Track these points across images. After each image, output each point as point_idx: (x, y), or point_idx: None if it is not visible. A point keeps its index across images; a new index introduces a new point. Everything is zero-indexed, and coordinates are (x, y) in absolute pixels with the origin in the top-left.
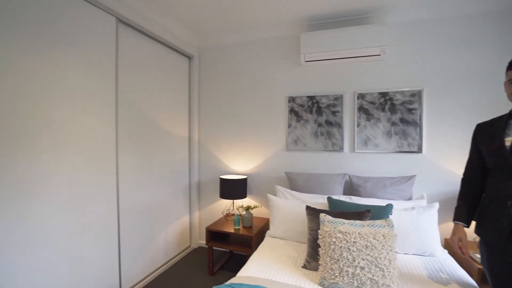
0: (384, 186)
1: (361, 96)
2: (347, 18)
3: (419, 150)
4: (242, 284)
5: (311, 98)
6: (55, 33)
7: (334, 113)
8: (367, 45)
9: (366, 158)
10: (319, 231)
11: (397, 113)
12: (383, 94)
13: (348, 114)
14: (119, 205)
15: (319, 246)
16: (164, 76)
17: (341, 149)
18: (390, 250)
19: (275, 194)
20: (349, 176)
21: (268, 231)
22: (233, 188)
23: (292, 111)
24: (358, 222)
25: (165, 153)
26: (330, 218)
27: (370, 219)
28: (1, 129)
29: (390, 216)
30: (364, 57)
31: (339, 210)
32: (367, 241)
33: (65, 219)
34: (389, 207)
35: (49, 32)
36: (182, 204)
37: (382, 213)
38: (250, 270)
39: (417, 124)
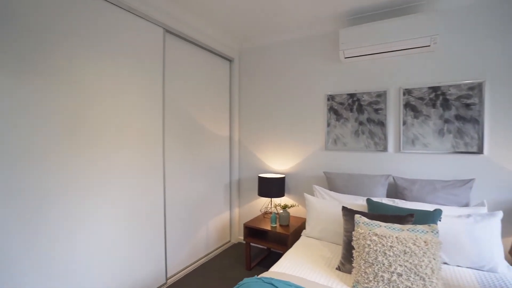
0: (434, 190)
1: (408, 92)
2: (389, 9)
3: (479, 151)
4: (272, 279)
5: (351, 95)
6: (114, 44)
7: (376, 110)
8: (414, 36)
9: (413, 158)
10: (353, 232)
11: (451, 109)
12: (434, 89)
13: (393, 111)
14: (165, 198)
15: (354, 248)
16: (206, 79)
17: (384, 148)
18: (434, 259)
19: (312, 194)
20: (394, 178)
21: (304, 231)
22: (271, 187)
23: (331, 109)
24: (397, 225)
25: (207, 152)
26: (366, 220)
27: (413, 224)
28: (72, 129)
29: (438, 222)
30: (411, 49)
31: (378, 213)
32: (406, 246)
33: (119, 208)
34: (437, 213)
35: (109, 44)
36: (223, 200)
37: (428, 218)
38: (282, 267)
39: (477, 121)
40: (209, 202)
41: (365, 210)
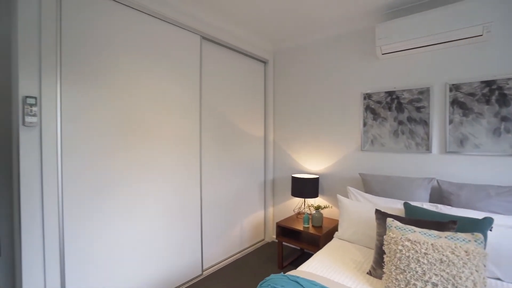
0: (487, 197)
1: (455, 88)
2: None
3: None
4: (297, 277)
5: (390, 93)
6: (158, 54)
7: (418, 109)
8: (464, 25)
9: (461, 161)
10: (384, 236)
11: (509, 106)
12: (488, 83)
13: (438, 109)
14: (201, 195)
15: (385, 253)
16: (241, 81)
17: (427, 149)
18: (476, 271)
19: (347, 196)
20: (438, 182)
21: (336, 233)
22: (304, 187)
23: (368, 108)
24: (434, 232)
25: (242, 151)
26: (399, 224)
27: (454, 232)
28: (123, 131)
29: (488, 232)
30: (459, 40)
31: (416, 218)
32: (443, 254)
33: (159, 203)
34: (487, 221)
35: (154, 54)
36: (257, 199)
37: (475, 227)
38: (310, 267)
39: None
40: (243, 200)
41: (402, 214)
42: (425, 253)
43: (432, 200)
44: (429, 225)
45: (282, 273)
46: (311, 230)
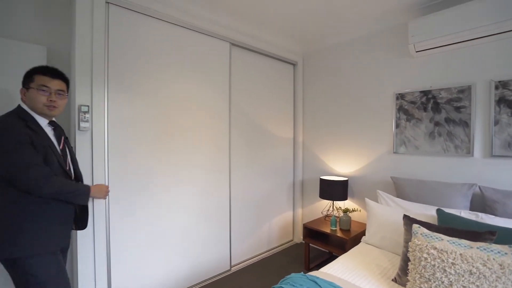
0: None
1: (502, 85)
2: None
3: None
4: (316, 277)
5: (425, 93)
6: (190, 61)
7: (457, 109)
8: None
9: (510, 166)
10: (409, 243)
11: None
12: None
13: (481, 109)
14: (230, 194)
15: (410, 260)
16: (270, 84)
17: (468, 153)
18: None
19: (376, 199)
20: (480, 188)
21: (363, 237)
22: (333, 190)
23: (400, 109)
24: (465, 242)
25: (270, 153)
26: (425, 231)
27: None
28: (160, 135)
29: None
30: (506, 32)
31: (448, 226)
32: (473, 266)
33: (192, 202)
34: None
35: (186, 61)
36: (286, 200)
37: None
38: (332, 269)
39: None
40: (272, 201)
41: (435, 221)
42: (453, 263)
43: (473, 208)
44: (462, 234)
45: (302, 272)
46: (338, 233)
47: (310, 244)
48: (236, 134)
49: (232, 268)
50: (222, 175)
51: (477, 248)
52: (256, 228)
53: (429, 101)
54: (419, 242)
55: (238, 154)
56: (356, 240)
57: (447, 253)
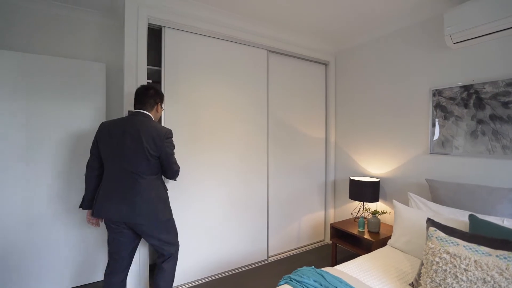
0: None
1: None
2: None
3: None
4: (325, 272)
5: (466, 88)
6: (229, 70)
7: (505, 104)
8: None
9: None
10: (424, 246)
11: None
12: None
13: None
14: (268, 191)
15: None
16: (302, 85)
17: None
18: None
19: (407, 202)
20: None
21: (389, 240)
22: (363, 191)
23: (438, 106)
24: (485, 249)
25: (303, 153)
26: (441, 234)
27: None
28: (200, 135)
29: None
30: None
31: (478, 233)
32: (487, 274)
33: (233, 195)
34: None
35: (227, 70)
36: (318, 200)
37: None
38: (347, 267)
39: None
40: (303, 200)
41: (467, 227)
42: (465, 270)
43: None
44: (490, 242)
45: (313, 266)
46: (366, 235)
47: (338, 245)
48: (271, 135)
49: (269, 258)
50: (260, 173)
51: (497, 256)
52: (289, 224)
53: (470, 96)
54: (433, 246)
55: (274, 153)
56: (384, 243)
57: (460, 258)
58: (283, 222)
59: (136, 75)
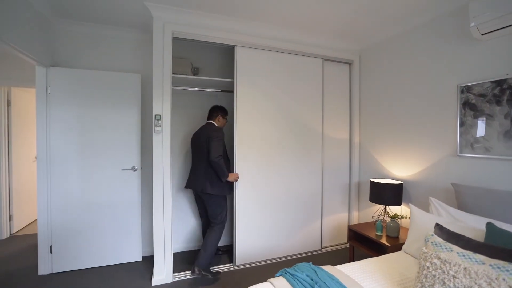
0: None
1: None
2: None
3: None
4: (320, 268)
5: (498, 83)
6: (293, 78)
7: None
8: None
9: None
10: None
11: None
12: None
13: None
14: (323, 187)
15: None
16: (327, 86)
17: None
18: None
19: (427, 207)
20: None
21: (403, 245)
22: (384, 193)
23: (466, 104)
24: (480, 257)
25: (326, 154)
26: (438, 240)
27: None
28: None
29: None
30: None
31: (499, 244)
32: (475, 283)
33: (291, 192)
34: None
35: (288, 79)
36: (341, 201)
37: None
38: (347, 268)
39: None
40: (326, 201)
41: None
42: (453, 276)
43: None
44: (493, 251)
45: (311, 263)
46: (383, 239)
47: (356, 248)
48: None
49: (322, 249)
50: (316, 170)
51: (490, 265)
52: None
53: (503, 92)
54: (426, 250)
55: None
56: (400, 248)
57: (450, 264)
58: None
59: (162, 82)
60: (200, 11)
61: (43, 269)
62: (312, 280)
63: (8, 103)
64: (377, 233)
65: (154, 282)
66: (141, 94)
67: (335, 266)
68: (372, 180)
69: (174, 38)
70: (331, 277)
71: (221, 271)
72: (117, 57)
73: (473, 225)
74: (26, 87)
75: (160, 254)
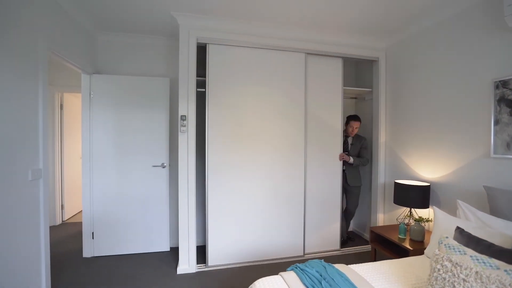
0: None
1: None
2: None
3: None
4: (330, 266)
5: None
6: (268, 74)
7: None
8: None
9: None
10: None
11: None
12: None
13: None
14: (305, 189)
15: None
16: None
17: None
18: None
19: (452, 211)
20: None
21: (425, 249)
22: (410, 195)
23: (502, 100)
24: (495, 262)
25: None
26: (452, 242)
27: None
28: (242, 133)
29: None
30: None
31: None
32: (485, 287)
33: (268, 194)
34: None
35: (264, 75)
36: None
37: None
38: (360, 267)
39: None
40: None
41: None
42: (464, 280)
43: None
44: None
45: (322, 260)
46: (405, 243)
47: (378, 250)
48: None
49: (305, 255)
50: (297, 170)
51: (505, 270)
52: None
53: None
54: (438, 252)
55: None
56: (423, 253)
57: (461, 267)
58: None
59: (187, 84)
60: (224, 17)
61: (87, 252)
62: (321, 275)
63: (61, 107)
64: (400, 236)
65: (179, 271)
66: (170, 96)
67: (349, 265)
68: (397, 181)
69: (198, 44)
70: (341, 274)
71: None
72: (148, 63)
73: (503, 231)
74: (75, 93)
75: (185, 246)
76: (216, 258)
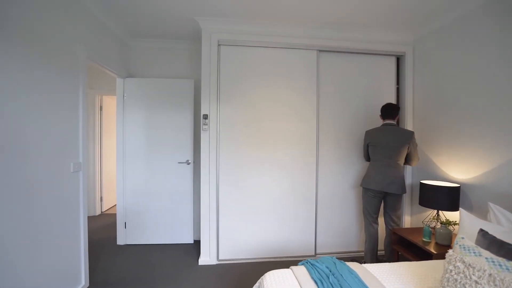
0: None
1: None
2: None
3: None
4: (341, 262)
5: None
6: (279, 73)
7: None
8: None
9: None
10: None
11: None
12: None
13: None
14: (317, 188)
15: None
16: (364, 82)
17: None
18: None
19: (484, 214)
20: None
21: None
22: (437, 197)
23: None
24: None
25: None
26: (467, 243)
27: None
28: (256, 132)
29: None
30: None
31: None
32: None
33: (282, 189)
34: None
35: (276, 73)
36: None
37: None
38: (375, 268)
39: None
40: None
41: None
42: (476, 282)
43: None
44: None
45: (335, 257)
46: (430, 246)
47: (401, 253)
48: (324, 133)
49: (316, 255)
50: (309, 169)
51: None
52: (343, 225)
53: None
54: (452, 253)
55: (326, 152)
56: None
57: (474, 269)
58: (337, 221)
59: (209, 85)
60: (243, 19)
61: (120, 240)
62: (330, 271)
63: (101, 108)
64: (424, 239)
65: (201, 262)
66: (194, 96)
67: (363, 264)
68: (423, 181)
69: (219, 45)
70: (350, 272)
71: None
72: (174, 66)
73: None
74: (112, 95)
75: (206, 239)
76: (228, 252)
